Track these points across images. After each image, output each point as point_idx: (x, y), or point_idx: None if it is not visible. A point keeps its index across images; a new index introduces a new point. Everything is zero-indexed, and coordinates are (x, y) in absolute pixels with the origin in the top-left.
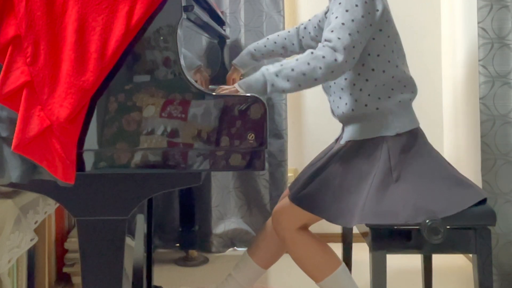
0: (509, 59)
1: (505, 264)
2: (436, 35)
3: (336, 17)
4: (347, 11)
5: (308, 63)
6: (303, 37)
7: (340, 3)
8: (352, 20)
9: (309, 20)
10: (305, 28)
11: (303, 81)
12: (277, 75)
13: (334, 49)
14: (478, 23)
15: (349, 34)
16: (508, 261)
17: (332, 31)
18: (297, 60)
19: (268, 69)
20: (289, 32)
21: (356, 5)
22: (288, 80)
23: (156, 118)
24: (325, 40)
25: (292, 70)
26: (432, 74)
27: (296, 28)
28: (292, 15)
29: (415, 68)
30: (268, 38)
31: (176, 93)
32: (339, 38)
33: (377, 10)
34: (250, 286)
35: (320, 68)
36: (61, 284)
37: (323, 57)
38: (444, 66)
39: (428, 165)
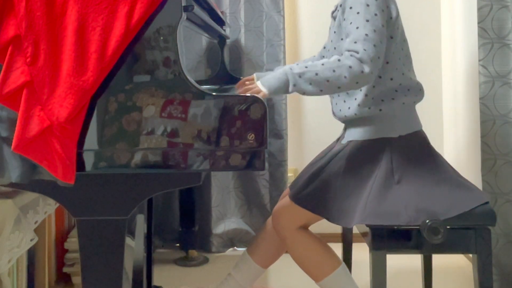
0: (509, 59)
1: (505, 264)
2: (436, 35)
3: (357, 28)
4: (367, 21)
5: (334, 70)
6: (323, 57)
7: (358, 13)
8: (374, 31)
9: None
10: (324, 47)
11: (326, 87)
12: (300, 76)
13: (361, 61)
14: (478, 23)
15: (374, 46)
16: (508, 261)
17: (355, 42)
18: (322, 64)
19: (292, 69)
20: (314, 56)
21: (376, 14)
22: (310, 84)
23: (156, 118)
24: (350, 51)
25: (317, 74)
26: (432, 74)
27: (319, 52)
28: (292, 15)
29: (415, 68)
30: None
31: (176, 93)
32: (365, 50)
33: (391, 18)
34: (250, 285)
35: (345, 77)
36: (61, 284)
37: (350, 67)
38: (444, 66)
39: (430, 168)
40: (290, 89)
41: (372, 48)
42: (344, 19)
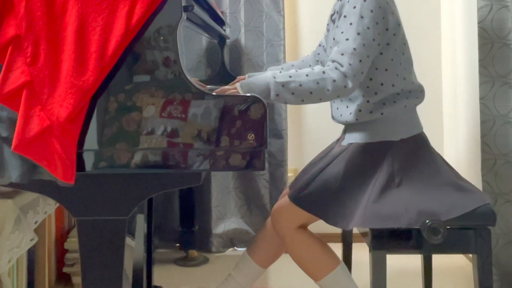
0: (509, 59)
1: (505, 264)
2: (436, 35)
3: (347, 39)
4: (358, 34)
5: (318, 83)
6: (318, 54)
7: (351, 24)
8: (364, 45)
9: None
10: (319, 45)
11: (308, 98)
12: (283, 86)
13: (345, 75)
14: (478, 23)
15: (360, 61)
16: (508, 261)
17: (342, 54)
18: (307, 75)
19: (276, 78)
20: (307, 56)
21: (368, 28)
22: (293, 93)
23: (156, 118)
24: (335, 62)
25: (300, 85)
26: (432, 74)
27: (314, 50)
28: (292, 15)
29: (415, 68)
30: (286, 63)
31: (176, 93)
32: (350, 65)
33: (387, 29)
34: (250, 285)
35: (328, 90)
36: (61, 284)
37: (334, 80)
38: (444, 66)
39: (431, 171)
40: (272, 98)
41: (357, 63)
42: (337, 26)
